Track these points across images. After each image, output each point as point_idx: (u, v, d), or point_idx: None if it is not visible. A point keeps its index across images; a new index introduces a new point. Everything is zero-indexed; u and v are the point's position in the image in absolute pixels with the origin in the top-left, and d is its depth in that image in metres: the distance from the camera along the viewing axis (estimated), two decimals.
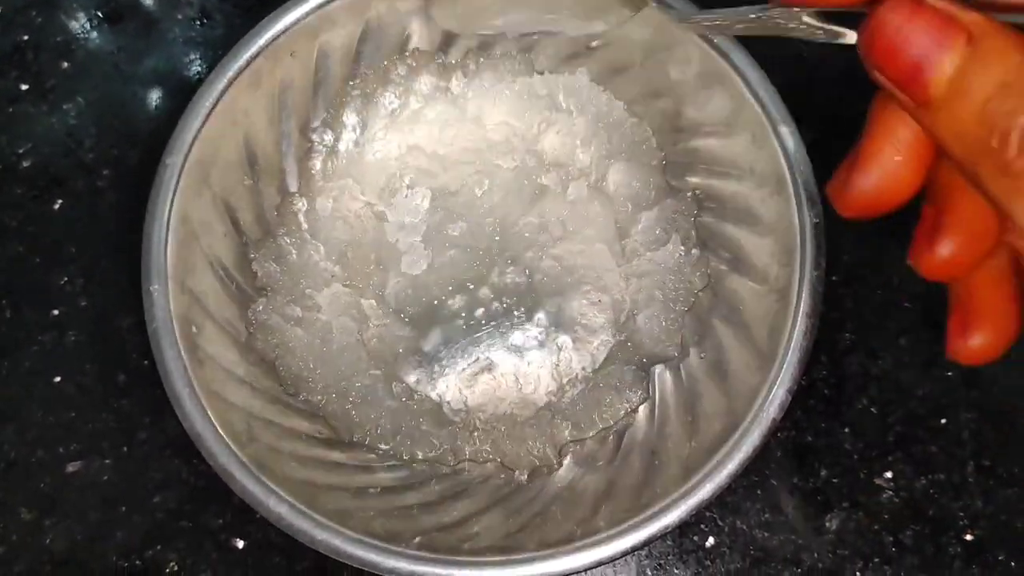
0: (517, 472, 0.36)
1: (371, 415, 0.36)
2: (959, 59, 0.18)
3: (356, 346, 0.38)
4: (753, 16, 0.25)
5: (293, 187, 0.39)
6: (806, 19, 0.23)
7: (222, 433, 0.32)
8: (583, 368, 0.38)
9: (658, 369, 0.37)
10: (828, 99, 0.43)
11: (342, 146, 0.40)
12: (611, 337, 0.38)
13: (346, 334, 0.38)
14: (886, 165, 0.22)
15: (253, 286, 0.38)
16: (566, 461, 0.36)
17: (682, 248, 0.38)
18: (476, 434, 0.36)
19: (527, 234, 0.39)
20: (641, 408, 0.37)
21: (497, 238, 0.39)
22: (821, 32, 0.23)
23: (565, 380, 0.37)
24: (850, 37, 0.23)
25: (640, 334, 0.38)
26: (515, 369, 0.38)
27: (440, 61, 0.40)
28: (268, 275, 0.37)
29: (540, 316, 0.38)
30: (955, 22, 0.18)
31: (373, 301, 0.38)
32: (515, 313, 0.38)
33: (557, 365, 0.38)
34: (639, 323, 0.38)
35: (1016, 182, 0.18)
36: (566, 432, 0.36)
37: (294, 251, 0.38)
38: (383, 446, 0.36)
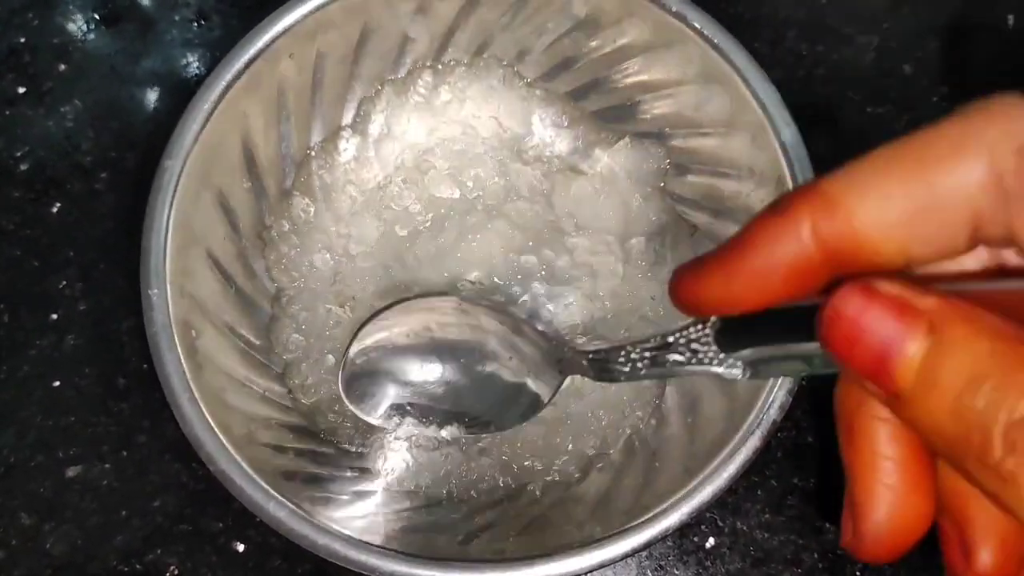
0: (531, 485, 0.35)
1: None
2: (923, 349, 0.16)
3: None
4: (672, 339, 0.22)
5: (292, 189, 0.39)
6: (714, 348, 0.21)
7: (222, 437, 0.31)
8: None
9: None
10: (827, 98, 0.43)
11: (342, 148, 0.40)
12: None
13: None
14: (887, 503, 0.19)
15: (252, 289, 0.37)
16: (571, 463, 0.36)
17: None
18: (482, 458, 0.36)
19: (528, 239, 0.39)
20: (642, 410, 0.37)
21: (498, 239, 0.39)
22: (723, 363, 0.21)
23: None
24: (739, 367, 0.21)
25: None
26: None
27: (436, 65, 0.40)
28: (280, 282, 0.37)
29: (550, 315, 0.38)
30: (912, 310, 0.16)
31: (374, 304, 0.38)
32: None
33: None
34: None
35: (1008, 484, 0.16)
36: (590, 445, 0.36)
37: (296, 252, 0.38)
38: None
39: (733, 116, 0.36)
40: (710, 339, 0.21)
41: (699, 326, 0.22)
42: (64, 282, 0.40)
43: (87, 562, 0.36)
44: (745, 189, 0.36)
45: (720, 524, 0.37)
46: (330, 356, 0.38)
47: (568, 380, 0.31)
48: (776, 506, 0.37)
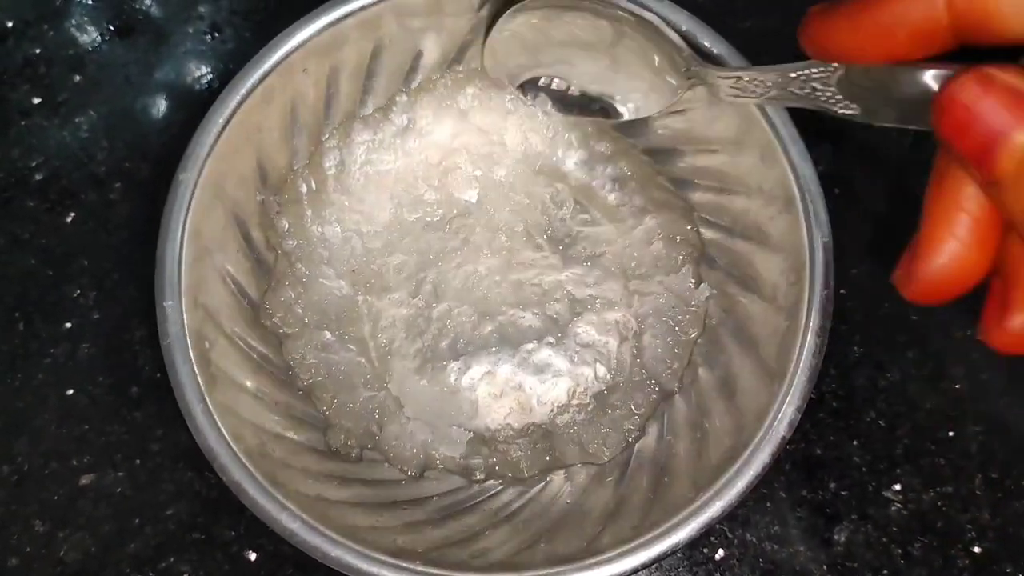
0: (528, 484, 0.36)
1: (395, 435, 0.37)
2: None
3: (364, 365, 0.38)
4: (793, 75, 0.24)
5: (304, 202, 0.39)
6: (833, 90, 0.23)
7: (235, 448, 0.32)
8: (589, 389, 0.38)
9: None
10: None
11: (352, 163, 0.40)
12: (614, 362, 0.38)
13: (355, 351, 0.38)
14: (949, 251, 0.21)
15: (265, 301, 0.38)
16: (580, 477, 0.36)
17: (691, 281, 0.38)
18: (486, 450, 0.37)
19: (536, 252, 0.39)
20: (650, 425, 0.37)
21: (505, 253, 0.39)
22: (838, 103, 0.23)
23: (575, 401, 0.38)
24: (855, 108, 0.22)
25: (645, 354, 0.38)
26: (525, 387, 0.38)
27: (446, 79, 0.40)
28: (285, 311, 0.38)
29: (549, 336, 0.38)
30: None
31: (384, 321, 0.39)
32: (527, 330, 0.38)
33: (572, 386, 0.38)
34: (644, 342, 0.38)
35: None
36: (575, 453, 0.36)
37: (305, 270, 0.38)
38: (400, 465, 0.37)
39: (742, 133, 0.36)
40: (831, 82, 0.23)
41: (820, 69, 0.23)
42: (78, 291, 0.41)
43: (100, 570, 0.37)
44: (754, 206, 0.36)
45: (729, 536, 0.37)
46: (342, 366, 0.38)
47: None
48: (785, 518, 0.37)
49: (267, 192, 0.38)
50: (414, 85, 0.40)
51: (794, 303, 0.33)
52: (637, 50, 0.34)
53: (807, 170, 0.34)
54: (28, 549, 0.37)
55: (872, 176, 0.42)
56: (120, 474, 0.38)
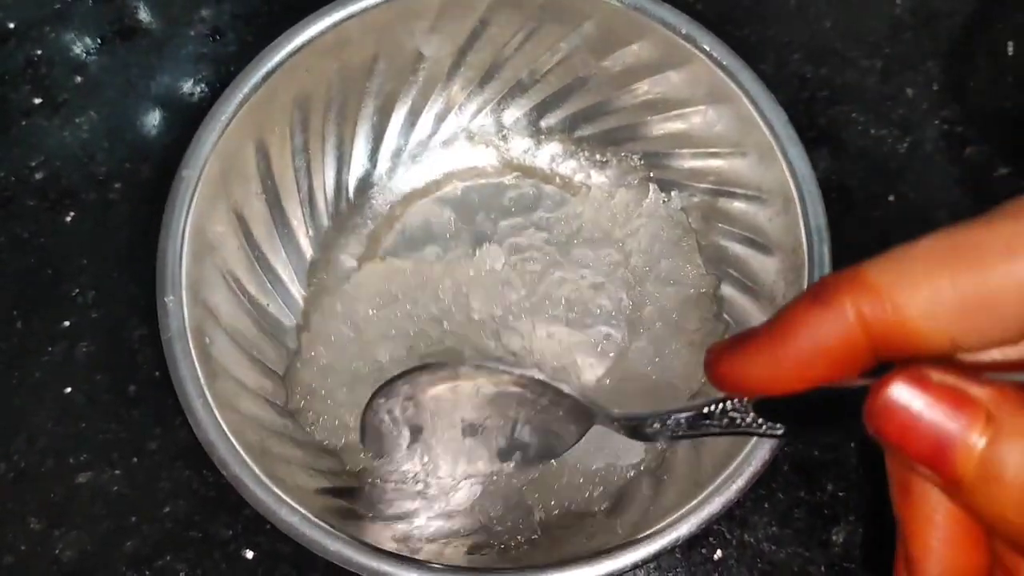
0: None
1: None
2: (982, 441, 0.16)
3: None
4: (706, 411, 0.22)
5: (305, 204, 0.40)
6: (751, 416, 0.22)
7: (235, 442, 0.32)
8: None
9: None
10: (831, 120, 0.44)
11: (354, 175, 0.40)
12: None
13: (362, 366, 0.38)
14: (943, 554, 0.19)
15: (265, 300, 0.38)
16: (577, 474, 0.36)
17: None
18: None
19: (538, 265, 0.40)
20: None
21: (508, 265, 0.40)
22: (760, 427, 0.22)
23: None
24: (778, 430, 0.21)
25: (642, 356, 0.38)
26: None
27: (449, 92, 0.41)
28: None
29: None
30: (968, 400, 0.16)
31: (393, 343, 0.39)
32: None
33: None
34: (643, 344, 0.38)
35: None
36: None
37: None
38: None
39: (741, 136, 0.36)
40: (748, 409, 0.22)
41: (735, 400, 0.22)
42: (77, 290, 0.41)
43: (96, 568, 0.36)
44: (752, 208, 0.36)
45: (728, 536, 0.37)
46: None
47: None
48: (783, 519, 0.37)
49: (268, 190, 0.38)
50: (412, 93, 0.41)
51: None
52: (529, 406, 0.32)
53: (805, 171, 0.34)
54: (24, 547, 0.37)
55: (869, 181, 0.42)
56: (117, 472, 0.38)
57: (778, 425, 0.21)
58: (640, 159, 0.41)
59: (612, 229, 0.40)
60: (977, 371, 0.17)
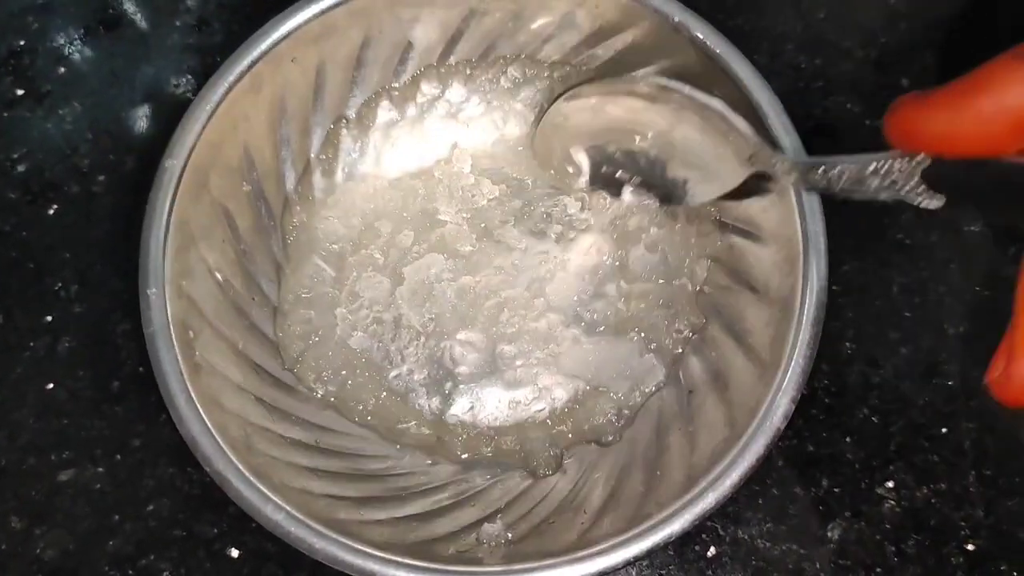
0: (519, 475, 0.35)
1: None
2: None
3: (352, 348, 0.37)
4: (872, 167, 0.22)
5: (292, 194, 0.39)
6: (916, 181, 0.21)
7: (218, 439, 0.31)
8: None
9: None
10: (826, 110, 0.43)
11: (342, 159, 0.40)
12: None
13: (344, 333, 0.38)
14: None
15: (251, 293, 0.37)
16: (572, 470, 0.36)
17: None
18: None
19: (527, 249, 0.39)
20: (643, 417, 0.36)
21: (496, 252, 0.39)
22: (921, 195, 0.21)
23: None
24: (939, 200, 0.21)
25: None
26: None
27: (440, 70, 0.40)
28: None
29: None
30: None
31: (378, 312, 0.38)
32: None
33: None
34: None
35: None
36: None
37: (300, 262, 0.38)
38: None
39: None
40: (915, 173, 0.21)
41: (905, 160, 0.21)
42: (59, 284, 0.40)
43: (79, 567, 0.36)
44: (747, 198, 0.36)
45: (721, 533, 0.37)
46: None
47: None
48: (778, 515, 0.37)
49: (253, 181, 0.37)
50: (401, 82, 0.40)
51: (788, 295, 0.33)
52: (697, 136, 0.33)
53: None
54: (4, 546, 0.36)
55: None
56: (100, 470, 0.37)
57: (939, 195, 0.20)
58: None
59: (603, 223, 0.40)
60: None
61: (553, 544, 0.32)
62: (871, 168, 0.22)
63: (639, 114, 0.35)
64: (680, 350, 0.38)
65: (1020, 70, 0.17)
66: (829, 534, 0.36)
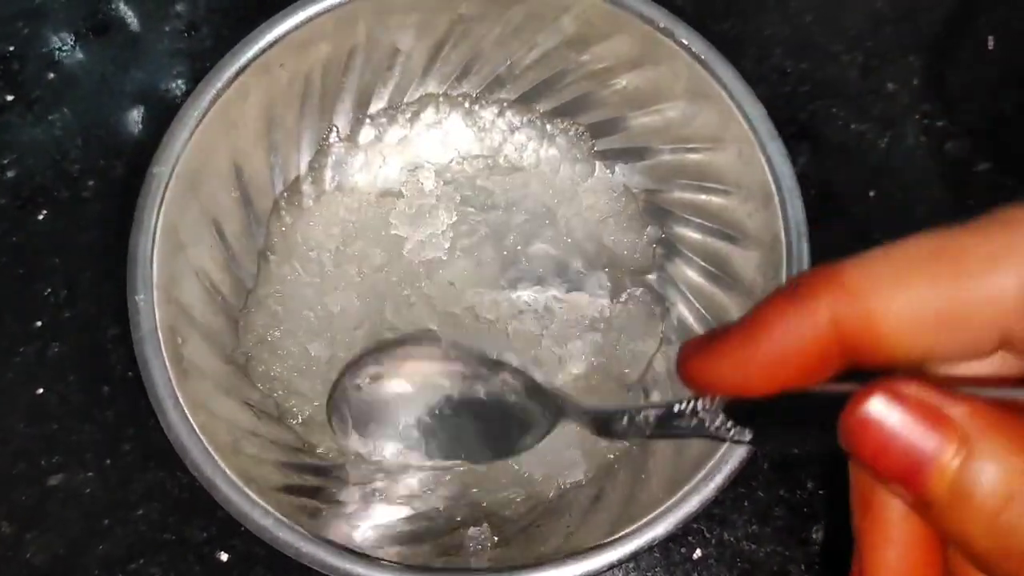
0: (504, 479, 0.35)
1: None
2: (956, 461, 0.15)
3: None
4: (677, 409, 0.22)
5: (280, 200, 0.39)
6: (722, 418, 0.21)
7: (207, 444, 0.31)
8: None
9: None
10: (812, 114, 0.43)
11: (329, 166, 0.40)
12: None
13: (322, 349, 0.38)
14: (900, 573, 0.19)
15: (238, 299, 0.37)
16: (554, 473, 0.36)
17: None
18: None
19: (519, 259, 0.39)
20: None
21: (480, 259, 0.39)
22: (729, 431, 0.22)
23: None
24: (747, 435, 0.21)
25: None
26: None
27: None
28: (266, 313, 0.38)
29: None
30: (943, 418, 0.16)
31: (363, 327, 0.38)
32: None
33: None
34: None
35: None
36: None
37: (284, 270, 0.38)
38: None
39: (720, 131, 0.36)
40: (718, 411, 0.21)
41: (707, 400, 0.21)
42: (49, 289, 0.40)
43: (69, 572, 0.36)
44: (731, 203, 0.36)
45: (707, 535, 0.37)
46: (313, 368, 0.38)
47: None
48: (762, 517, 0.37)
49: (241, 187, 0.38)
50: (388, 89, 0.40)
51: None
52: (497, 394, 0.31)
53: (784, 166, 0.34)
54: None
55: (848, 177, 0.42)
56: (90, 474, 0.37)
57: (746, 431, 0.21)
58: (618, 154, 0.41)
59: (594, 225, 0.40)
60: (950, 385, 0.16)
61: (539, 548, 0.32)
62: (676, 410, 0.22)
63: (435, 378, 0.32)
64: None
65: (790, 313, 0.18)
66: (814, 536, 0.37)
